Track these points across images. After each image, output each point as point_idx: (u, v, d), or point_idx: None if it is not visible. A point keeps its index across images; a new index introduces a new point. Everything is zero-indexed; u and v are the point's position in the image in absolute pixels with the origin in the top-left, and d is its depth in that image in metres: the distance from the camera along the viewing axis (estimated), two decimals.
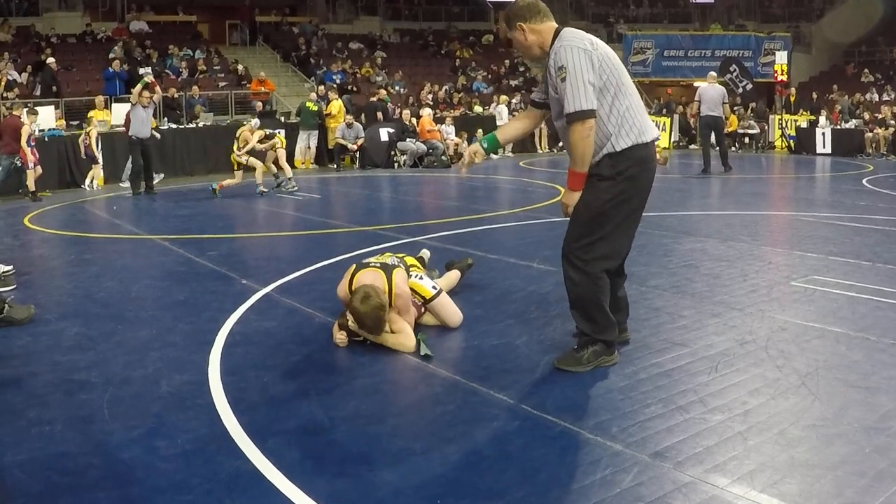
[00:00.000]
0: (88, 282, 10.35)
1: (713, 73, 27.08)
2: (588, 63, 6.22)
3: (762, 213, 16.07)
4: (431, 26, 45.51)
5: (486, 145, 7.09)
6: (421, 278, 8.01)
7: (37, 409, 6.04)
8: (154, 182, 21.91)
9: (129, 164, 22.34)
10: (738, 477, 4.79)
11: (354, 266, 7.87)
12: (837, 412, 5.72)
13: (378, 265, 7.71)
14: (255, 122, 23.20)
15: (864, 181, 21.84)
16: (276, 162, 20.94)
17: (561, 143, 6.81)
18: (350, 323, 7.34)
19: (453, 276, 9.09)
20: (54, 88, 28.25)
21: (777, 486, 4.66)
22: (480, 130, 31.89)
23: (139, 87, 20.57)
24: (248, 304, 8.98)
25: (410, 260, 8.22)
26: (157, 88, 21.99)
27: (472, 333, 7.85)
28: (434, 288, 7.99)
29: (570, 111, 6.19)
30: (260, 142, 20.58)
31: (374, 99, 30.97)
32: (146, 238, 13.87)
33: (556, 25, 6.65)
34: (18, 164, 20.48)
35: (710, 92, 24.29)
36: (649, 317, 8.17)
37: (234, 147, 20.64)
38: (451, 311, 8.03)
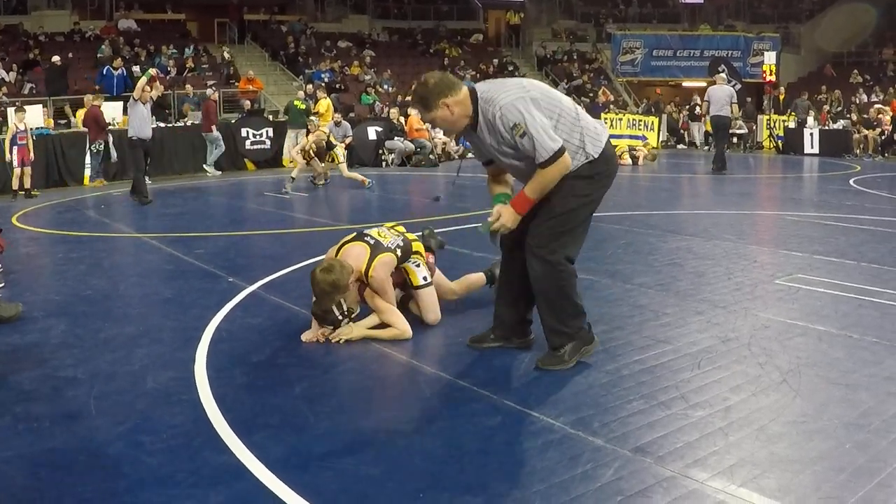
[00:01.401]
0: (76, 280, 10.36)
1: (722, 75, 27.26)
2: (535, 108, 6.25)
3: (749, 212, 16.11)
4: (420, 25, 45.48)
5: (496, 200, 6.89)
6: (418, 265, 8.05)
7: (24, 406, 6.06)
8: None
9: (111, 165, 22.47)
10: (719, 472, 4.84)
11: (354, 234, 7.99)
12: (818, 409, 5.77)
13: (371, 242, 7.74)
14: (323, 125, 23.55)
15: (850, 181, 21.88)
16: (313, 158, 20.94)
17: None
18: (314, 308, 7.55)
19: (474, 277, 8.92)
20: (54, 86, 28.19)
21: (757, 481, 4.71)
22: None
23: (143, 80, 19.11)
24: (235, 301, 9.00)
25: (418, 246, 8.18)
26: (158, 83, 21.26)
27: (455, 329, 7.88)
28: (424, 279, 8.03)
29: (544, 159, 6.21)
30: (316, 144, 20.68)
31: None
32: (134, 236, 13.89)
33: (466, 87, 6.54)
34: (100, 148, 23.45)
35: (717, 93, 24.42)
36: (633, 314, 8.21)
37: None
38: (430, 306, 8.05)
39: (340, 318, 7.46)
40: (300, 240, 13.50)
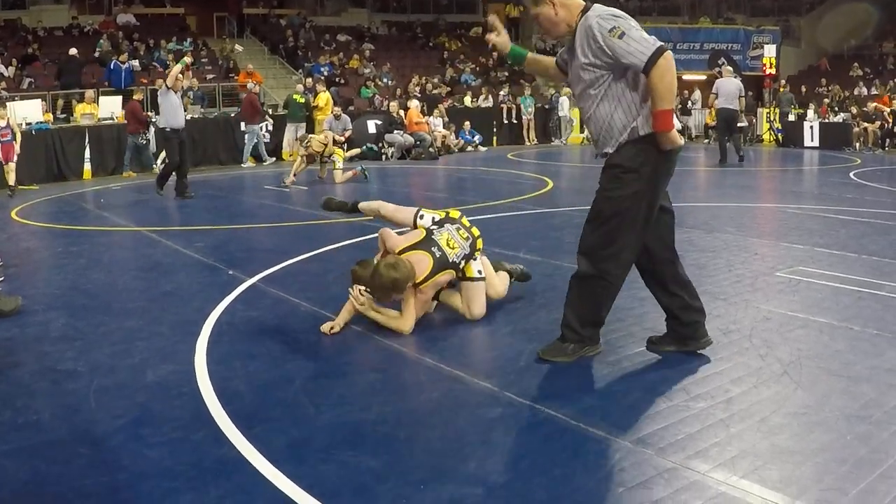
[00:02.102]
0: (75, 274, 10.36)
1: (729, 68, 27.40)
2: (635, 26, 6.04)
3: (749, 205, 16.10)
4: (420, 18, 45.48)
5: (509, 60, 7.02)
6: (475, 259, 8.05)
7: (24, 399, 6.07)
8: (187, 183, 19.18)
9: (158, 160, 22.57)
10: (720, 463, 4.83)
11: (423, 237, 7.89)
12: (819, 400, 5.76)
13: (437, 254, 7.71)
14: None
15: (851, 174, 21.86)
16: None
17: (585, 133, 6.50)
18: (360, 272, 7.63)
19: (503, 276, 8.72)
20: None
21: (758, 473, 4.70)
22: (468, 123, 31.92)
23: (178, 68, 18.70)
24: (235, 294, 9.00)
25: (480, 243, 8.19)
26: (190, 73, 20.81)
27: (456, 322, 7.88)
28: (479, 272, 8.02)
29: (644, 61, 5.90)
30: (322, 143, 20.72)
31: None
32: (134, 230, 13.88)
33: (584, 2, 6.34)
34: (143, 141, 24.46)
35: (726, 85, 24.56)
36: (634, 306, 8.19)
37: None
38: (478, 299, 7.97)
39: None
40: (300, 233, 13.49)
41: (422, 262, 7.60)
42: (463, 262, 7.87)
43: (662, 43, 5.98)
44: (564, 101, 35.05)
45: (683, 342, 6.79)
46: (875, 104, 33.18)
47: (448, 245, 7.81)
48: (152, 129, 23.96)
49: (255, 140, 27.04)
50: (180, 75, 18.61)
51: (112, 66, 28.87)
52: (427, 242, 7.79)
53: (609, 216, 6.30)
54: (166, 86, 18.34)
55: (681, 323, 6.75)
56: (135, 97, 24.83)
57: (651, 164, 6.22)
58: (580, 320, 6.56)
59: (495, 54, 41.66)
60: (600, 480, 4.65)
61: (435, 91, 34.73)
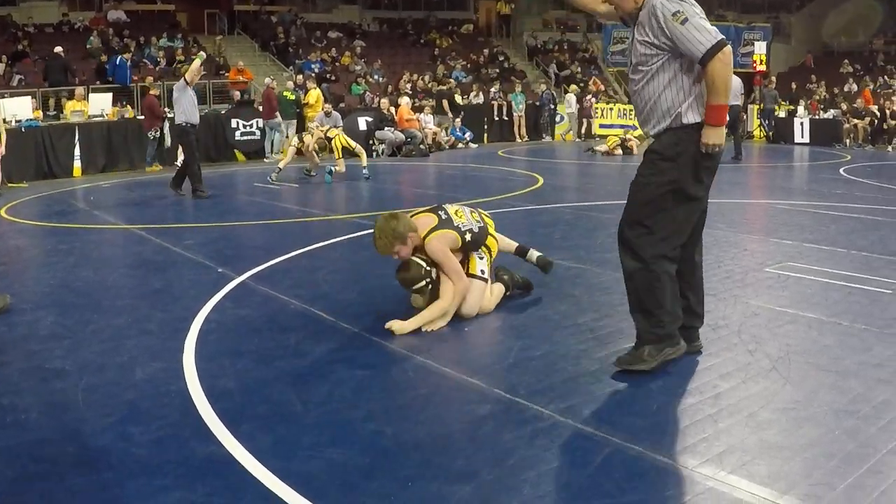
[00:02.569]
0: (65, 271, 10.34)
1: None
2: (700, 13, 5.95)
3: (739, 201, 16.12)
4: (411, 15, 45.45)
5: None
6: (481, 258, 8.10)
7: (11, 398, 6.05)
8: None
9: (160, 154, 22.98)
10: (708, 458, 4.84)
11: (433, 206, 8.18)
12: (808, 395, 5.78)
13: (443, 216, 7.94)
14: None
15: (841, 170, 21.91)
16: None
17: (633, 111, 6.24)
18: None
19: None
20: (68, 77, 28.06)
21: (746, 468, 4.70)
22: (458, 120, 31.91)
23: (197, 63, 18.37)
24: (224, 291, 8.99)
25: (492, 242, 8.29)
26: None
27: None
28: (482, 272, 8.03)
29: (702, 52, 5.81)
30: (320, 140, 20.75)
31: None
32: (123, 228, 13.85)
33: None
34: (157, 135, 24.57)
35: (734, 84, 24.51)
36: (623, 302, 8.09)
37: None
38: (473, 300, 7.93)
39: (424, 271, 7.76)
40: (290, 230, 13.48)
41: (426, 223, 7.80)
42: (468, 236, 7.93)
43: (723, 36, 5.89)
44: (571, 98, 35.07)
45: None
46: (861, 100, 33.29)
47: (455, 214, 7.99)
48: (167, 125, 24.16)
49: (277, 133, 27.55)
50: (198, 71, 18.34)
51: (118, 62, 28.87)
52: (436, 209, 8.04)
53: (643, 203, 6.19)
54: (185, 81, 18.07)
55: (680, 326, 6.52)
56: (152, 93, 24.94)
57: (689, 155, 6.07)
58: (647, 320, 6.29)
59: (486, 51, 41.71)
60: (588, 477, 4.63)
61: (443, 87, 34.85)
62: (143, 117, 24.85)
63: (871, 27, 46.42)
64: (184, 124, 18.14)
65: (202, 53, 19.52)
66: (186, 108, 18.11)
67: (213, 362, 6.72)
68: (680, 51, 5.94)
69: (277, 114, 26.90)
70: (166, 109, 24.33)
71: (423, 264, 7.74)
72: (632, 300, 6.39)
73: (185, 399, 5.94)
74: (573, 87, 37.30)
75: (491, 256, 8.26)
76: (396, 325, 7.46)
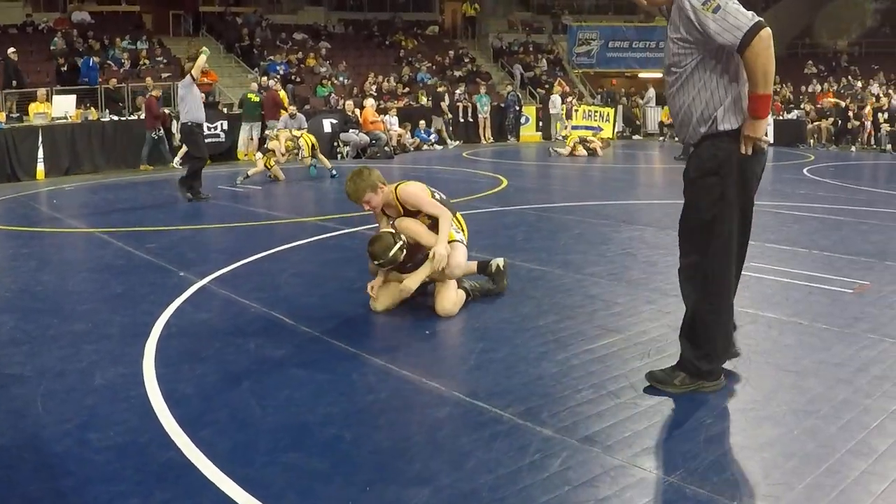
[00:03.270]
0: (26, 276, 10.27)
1: None
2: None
3: None
4: (376, 17, 45.37)
5: None
6: (457, 231, 8.38)
7: None
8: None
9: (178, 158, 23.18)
10: (667, 459, 4.88)
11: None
12: (767, 395, 5.82)
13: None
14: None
15: (804, 170, 22.04)
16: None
17: (669, 120, 5.83)
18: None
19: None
20: (14, 83, 27.84)
21: (705, 468, 4.72)
22: (423, 122, 31.91)
23: (203, 59, 17.65)
24: (185, 296, 8.95)
25: (460, 218, 8.63)
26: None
27: (405, 322, 7.91)
28: (458, 232, 8.33)
29: (738, 38, 5.34)
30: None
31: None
32: (86, 231, 13.78)
33: None
34: (156, 136, 25.36)
35: None
36: (584, 304, 8.23)
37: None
38: (457, 259, 8.14)
39: (395, 237, 7.98)
40: (253, 233, 13.41)
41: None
42: (437, 195, 8.36)
43: (761, 19, 5.37)
44: (556, 99, 35.12)
45: None
46: (826, 100, 33.47)
47: (431, 189, 8.32)
48: (176, 125, 24.30)
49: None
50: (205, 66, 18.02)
51: (91, 64, 28.80)
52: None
53: (698, 228, 5.83)
54: (192, 77, 17.51)
55: None
56: (152, 94, 25.33)
57: (732, 164, 5.65)
58: (693, 350, 5.92)
59: (451, 52, 41.71)
60: (547, 479, 4.64)
61: (440, 89, 35.01)
62: (140, 118, 25.70)
63: (836, 28, 46.58)
64: (191, 123, 17.50)
65: (205, 49, 18.64)
66: (194, 106, 17.45)
67: (173, 367, 6.69)
68: (715, 44, 5.51)
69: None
70: (165, 110, 24.47)
71: (393, 231, 7.98)
72: (684, 326, 6.03)
73: (144, 404, 5.91)
74: (557, 87, 37.35)
75: (462, 226, 8.53)
76: (407, 285, 7.93)
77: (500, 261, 8.74)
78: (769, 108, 5.67)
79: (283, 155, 20.86)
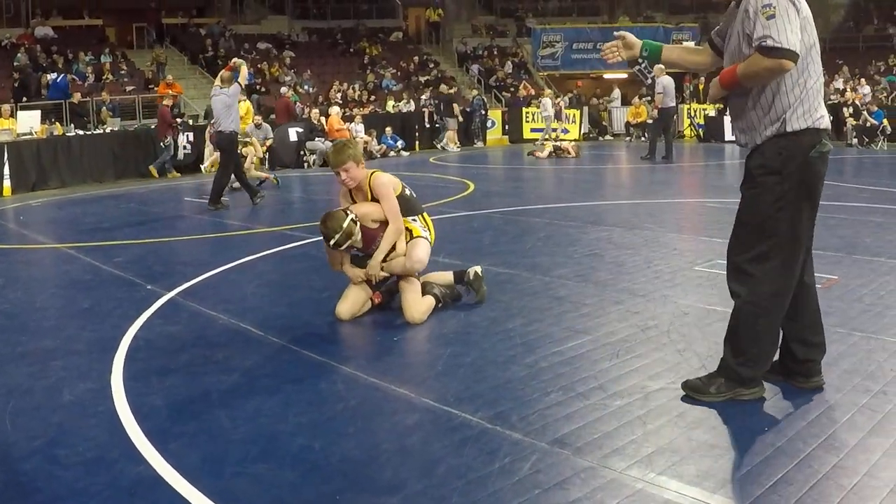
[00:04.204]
0: None
1: (661, 66, 27.65)
2: (795, 12, 5.30)
3: (669, 200, 16.24)
4: (340, 24, 45.39)
5: (645, 52, 6.24)
6: (425, 229, 8.56)
7: None
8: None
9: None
10: (637, 460, 4.87)
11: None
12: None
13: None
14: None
15: None
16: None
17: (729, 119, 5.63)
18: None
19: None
20: None
21: (675, 468, 4.74)
22: (389, 128, 31.88)
23: (245, 69, 18.08)
24: (153, 309, 8.91)
25: (427, 218, 8.81)
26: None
27: (373, 329, 7.94)
28: (426, 238, 8.42)
29: (770, 43, 5.21)
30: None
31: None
32: (52, 247, 13.70)
33: None
34: (164, 145, 25.89)
35: (670, 84, 24.86)
36: (552, 306, 8.23)
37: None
38: (419, 253, 8.25)
39: (346, 212, 8.08)
40: (220, 245, 13.39)
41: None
42: (408, 191, 8.64)
43: (797, 52, 5.25)
44: (547, 102, 35.17)
45: (791, 377, 6.05)
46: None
47: (403, 185, 8.53)
48: (186, 135, 25.54)
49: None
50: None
51: (59, 80, 28.72)
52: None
53: (755, 225, 5.63)
54: (242, 87, 17.80)
55: (794, 359, 6.00)
56: (165, 103, 26.09)
57: (797, 164, 5.50)
58: (735, 356, 5.74)
59: (416, 58, 41.76)
60: (517, 483, 4.64)
61: (451, 91, 35.33)
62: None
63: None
64: (230, 132, 17.56)
65: (238, 59, 19.02)
66: (236, 116, 17.71)
67: (142, 381, 6.66)
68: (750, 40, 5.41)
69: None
70: (178, 120, 24.60)
71: (343, 209, 8.16)
72: (730, 328, 5.82)
73: (113, 419, 5.88)
74: (547, 91, 37.49)
75: (431, 234, 8.61)
76: (372, 270, 8.14)
77: (476, 268, 8.68)
78: (732, 84, 5.61)
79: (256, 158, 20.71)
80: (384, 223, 8.19)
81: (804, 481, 4.52)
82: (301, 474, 4.89)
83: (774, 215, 5.51)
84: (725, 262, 5.89)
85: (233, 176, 18.38)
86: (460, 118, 34.46)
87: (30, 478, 5.05)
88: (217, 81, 17.96)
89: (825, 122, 5.59)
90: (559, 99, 35.82)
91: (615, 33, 6.26)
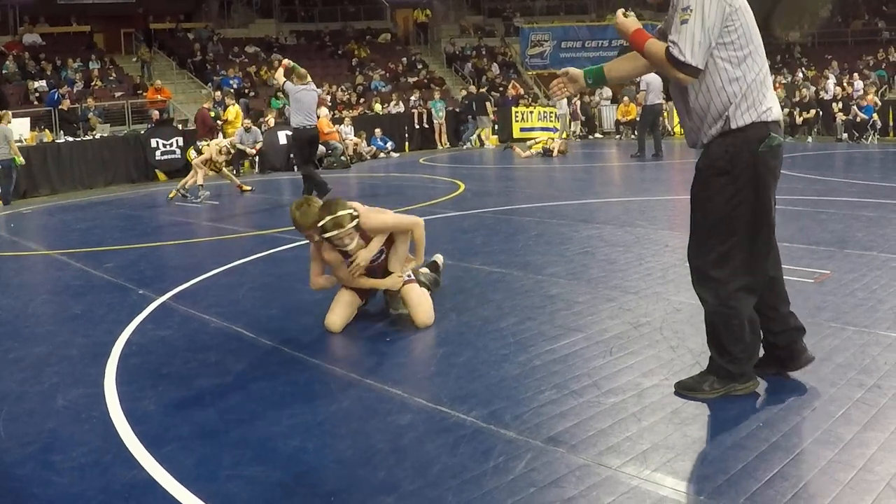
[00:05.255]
0: None
1: None
2: (718, 15, 5.22)
3: (660, 198, 16.23)
4: (328, 27, 45.31)
5: (590, 80, 6.07)
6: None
7: None
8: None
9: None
10: (632, 457, 4.87)
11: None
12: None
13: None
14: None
15: None
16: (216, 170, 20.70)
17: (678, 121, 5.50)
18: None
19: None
20: None
21: (671, 465, 4.73)
22: (378, 129, 31.87)
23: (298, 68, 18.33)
24: (145, 313, 8.90)
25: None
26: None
27: (365, 331, 7.89)
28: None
29: (672, 52, 5.23)
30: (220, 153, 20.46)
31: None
32: (43, 254, 13.70)
33: None
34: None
35: (656, 81, 24.88)
36: (545, 304, 8.23)
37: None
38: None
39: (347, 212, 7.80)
40: (211, 248, 13.38)
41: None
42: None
43: (699, 68, 5.24)
44: (563, 101, 35.27)
45: (782, 364, 6.04)
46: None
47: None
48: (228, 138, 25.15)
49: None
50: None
51: (56, 97, 28.69)
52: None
53: (709, 228, 5.55)
54: (312, 86, 18.27)
55: (778, 346, 5.99)
56: (205, 106, 26.81)
57: (745, 162, 5.41)
58: (720, 354, 5.72)
59: (404, 59, 41.77)
60: (512, 482, 4.64)
61: (482, 89, 35.28)
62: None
63: (789, 20, 46.85)
64: (306, 126, 18.22)
65: (285, 59, 19.47)
66: (312, 111, 18.37)
67: (134, 385, 6.66)
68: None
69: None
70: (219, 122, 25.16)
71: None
72: (708, 332, 5.80)
73: (106, 424, 5.87)
74: (511, 90, 37.58)
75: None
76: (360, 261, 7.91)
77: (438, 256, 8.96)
78: (637, 46, 5.61)
79: (220, 158, 20.56)
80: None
81: (800, 476, 4.52)
82: (295, 476, 4.88)
83: (730, 214, 5.44)
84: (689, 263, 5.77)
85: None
86: (493, 117, 34.72)
87: (24, 483, 5.05)
88: (292, 80, 18.21)
89: (774, 113, 5.50)
90: (576, 99, 35.82)
91: (558, 72, 6.13)
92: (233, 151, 20.64)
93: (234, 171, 20.73)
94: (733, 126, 5.38)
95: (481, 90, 36.55)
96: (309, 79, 18.07)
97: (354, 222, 7.76)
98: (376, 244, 7.88)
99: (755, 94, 5.40)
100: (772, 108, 5.47)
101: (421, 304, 7.89)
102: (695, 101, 5.50)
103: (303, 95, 17.90)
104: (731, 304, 5.55)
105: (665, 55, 5.27)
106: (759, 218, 5.51)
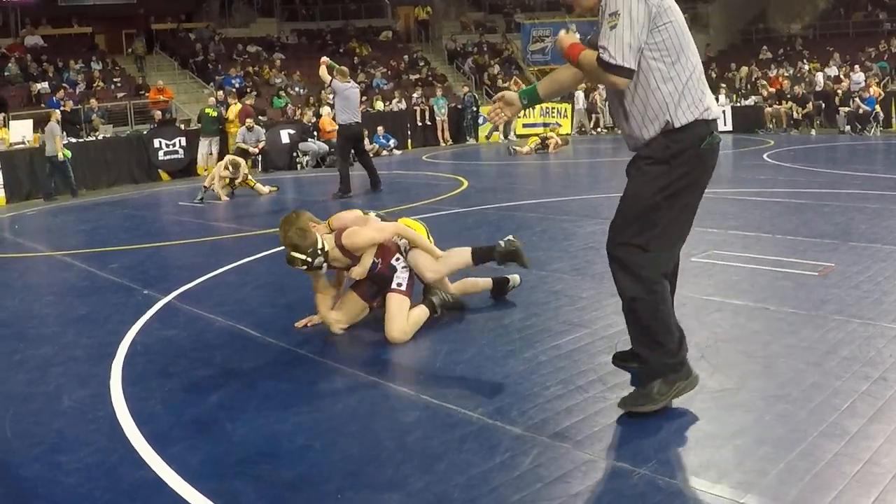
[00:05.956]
0: None
1: None
2: (645, 16, 5.13)
3: None
4: (329, 25, 45.25)
5: (525, 100, 5.85)
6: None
7: None
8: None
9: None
10: (639, 451, 4.87)
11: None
12: (737, 382, 5.83)
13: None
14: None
15: (764, 156, 22.11)
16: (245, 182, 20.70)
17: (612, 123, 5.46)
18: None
19: (479, 282, 8.61)
20: None
21: (677, 459, 4.76)
22: (381, 127, 31.82)
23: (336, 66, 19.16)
24: (150, 313, 8.92)
25: (419, 228, 8.30)
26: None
27: (369, 328, 7.88)
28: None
29: (604, 57, 5.10)
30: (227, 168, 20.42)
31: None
32: (48, 255, 13.71)
33: None
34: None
35: None
36: (549, 300, 8.23)
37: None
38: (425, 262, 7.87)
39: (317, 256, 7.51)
40: (215, 248, 13.38)
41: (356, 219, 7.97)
42: (372, 213, 8.23)
43: (632, 69, 5.14)
44: (580, 95, 35.32)
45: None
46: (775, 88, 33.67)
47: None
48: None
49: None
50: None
51: (56, 102, 28.68)
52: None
53: (636, 216, 5.45)
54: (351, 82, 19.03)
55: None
56: (247, 102, 27.55)
57: (687, 156, 5.34)
58: (654, 351, 5.45)
59: (406, 57, 41.74)
60: (518, 478, 4.65)
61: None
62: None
63: (790, 13, 46.81)
64: (353, 123, 19.15)
65: (324, 58, 20.35)
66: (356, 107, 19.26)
67: (141, 385, 6.67)
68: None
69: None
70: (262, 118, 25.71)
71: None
72: (635, 331, 5.54)
73: (112, 424, 5.88)
74: (513, 86, 37.48)
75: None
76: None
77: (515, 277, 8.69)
78: (572, 55, 5.38)
79: (225, 173, 20.53)
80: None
81: (806, 469, 4.52)
82: (302, 474, 4.89)
83: (658, 204, 5.36)
84: (606, 253, 5.61)
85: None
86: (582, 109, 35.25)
87: (31, 484, 5.06)
88: (336, 79, 19.13)
89: (713, 112, 5.42)
90: (594, 93, 35.84)
91: (495, 96, 6.01)
92: (238, 165, 20.51)
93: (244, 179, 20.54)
94: (676, 125, 5.29)
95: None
96: (347, 76, 18.98)
97: (317, 259, 7.51)
98: (368, 258, 7.71)
99: (693, 92, 5.31)
100: (710, 107, 5.40)
101: (394, 317, 7.51)
102: (631, 104, 5.40)
103: (351, 93, 18.81)
104: (657, 288, 5.39)
105: (596, 61, 5.18)
106: (682, 213, 5.52)
